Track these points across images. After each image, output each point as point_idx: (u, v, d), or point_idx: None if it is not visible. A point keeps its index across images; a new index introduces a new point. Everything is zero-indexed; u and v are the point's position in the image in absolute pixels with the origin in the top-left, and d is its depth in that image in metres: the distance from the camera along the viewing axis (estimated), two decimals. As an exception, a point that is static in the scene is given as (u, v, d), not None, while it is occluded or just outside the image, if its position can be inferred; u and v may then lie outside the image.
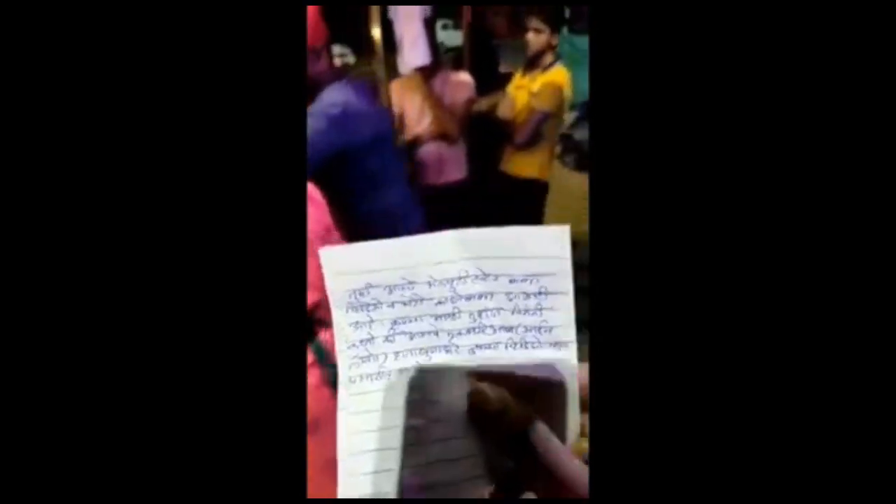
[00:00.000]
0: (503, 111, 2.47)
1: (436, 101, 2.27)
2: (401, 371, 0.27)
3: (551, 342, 0.28)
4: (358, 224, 1.55)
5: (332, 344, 0.29)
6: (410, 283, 0.27)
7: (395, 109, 2.35)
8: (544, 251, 0.28)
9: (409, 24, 2.66)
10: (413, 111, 2.34)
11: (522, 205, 2.56)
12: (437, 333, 0.28)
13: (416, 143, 2.37)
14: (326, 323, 1.02)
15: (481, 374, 0.28)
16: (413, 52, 2.74)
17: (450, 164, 2.41)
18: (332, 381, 1.00)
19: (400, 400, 0.27)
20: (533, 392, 0.28)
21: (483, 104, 2.46)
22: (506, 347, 0.28)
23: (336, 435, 0.29)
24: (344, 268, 0.27)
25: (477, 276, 0.27)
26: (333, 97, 1.49)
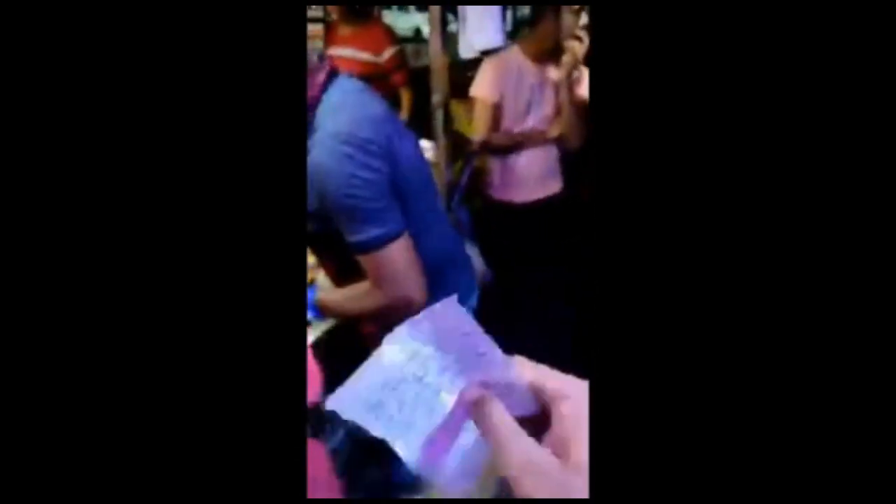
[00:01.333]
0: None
1: (570, 88, 1.62)
2: None
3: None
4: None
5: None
6: (396, 388, 0.28)
7: (486, 96, 1.71)
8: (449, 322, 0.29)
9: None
10: (518, 102, 1.69)
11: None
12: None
13: (512, 145, 1.73)
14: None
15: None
16: (481, 30, 2.15)
17: (548, 175, 1.81)
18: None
19: None
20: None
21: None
22: None
23: None
24: (351, 405, 0.28)
25: (439, 357, 0.29)
26: (352, 105, 0.86)
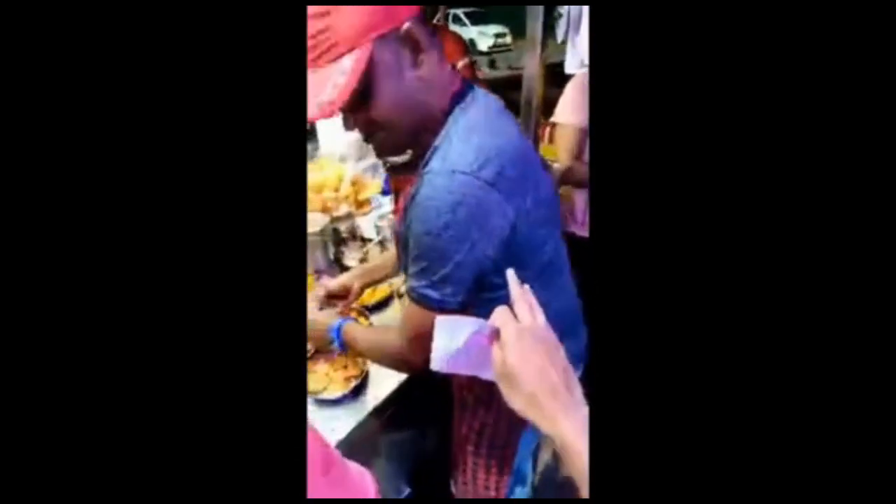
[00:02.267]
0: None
1: None
2: None
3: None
4: None
5: None
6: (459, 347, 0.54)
7: (571, 121, 1.48)
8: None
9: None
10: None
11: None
12: None
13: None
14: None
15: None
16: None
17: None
18: None
19: None
20: None
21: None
22: None
23: None
24: (448, 366, 0.55)
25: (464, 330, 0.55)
26: (484, 131, 0.69)
